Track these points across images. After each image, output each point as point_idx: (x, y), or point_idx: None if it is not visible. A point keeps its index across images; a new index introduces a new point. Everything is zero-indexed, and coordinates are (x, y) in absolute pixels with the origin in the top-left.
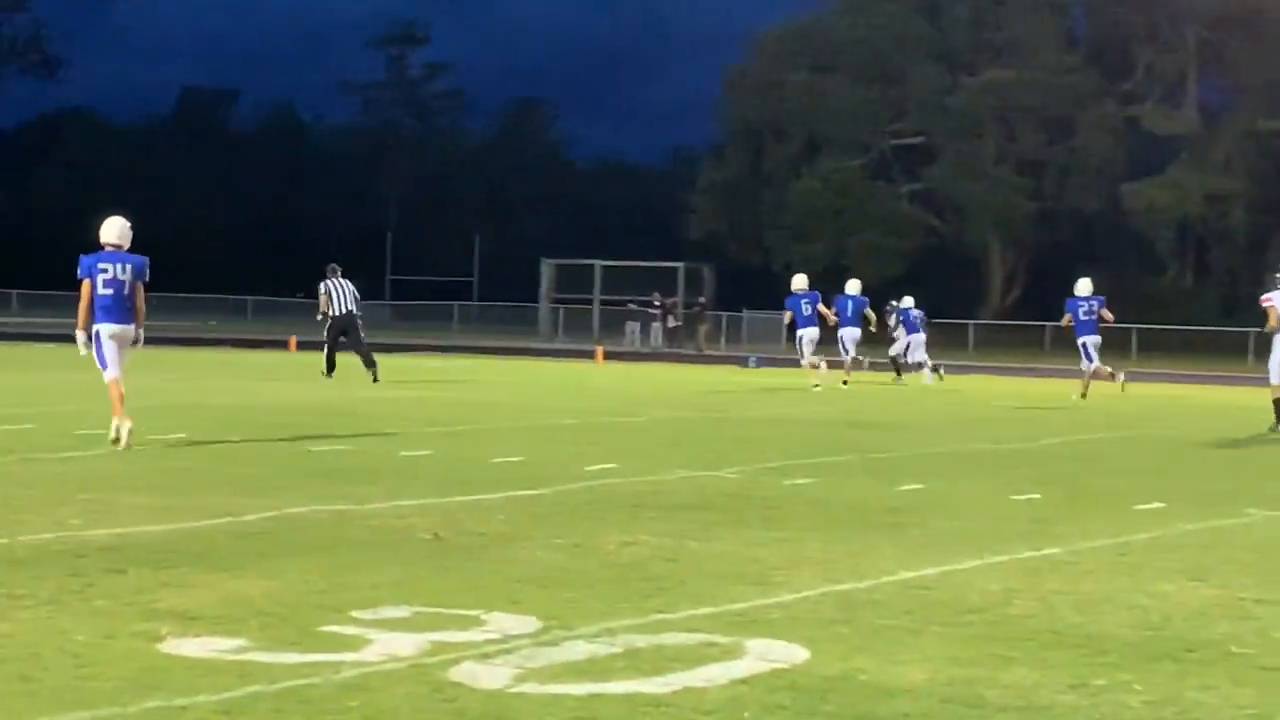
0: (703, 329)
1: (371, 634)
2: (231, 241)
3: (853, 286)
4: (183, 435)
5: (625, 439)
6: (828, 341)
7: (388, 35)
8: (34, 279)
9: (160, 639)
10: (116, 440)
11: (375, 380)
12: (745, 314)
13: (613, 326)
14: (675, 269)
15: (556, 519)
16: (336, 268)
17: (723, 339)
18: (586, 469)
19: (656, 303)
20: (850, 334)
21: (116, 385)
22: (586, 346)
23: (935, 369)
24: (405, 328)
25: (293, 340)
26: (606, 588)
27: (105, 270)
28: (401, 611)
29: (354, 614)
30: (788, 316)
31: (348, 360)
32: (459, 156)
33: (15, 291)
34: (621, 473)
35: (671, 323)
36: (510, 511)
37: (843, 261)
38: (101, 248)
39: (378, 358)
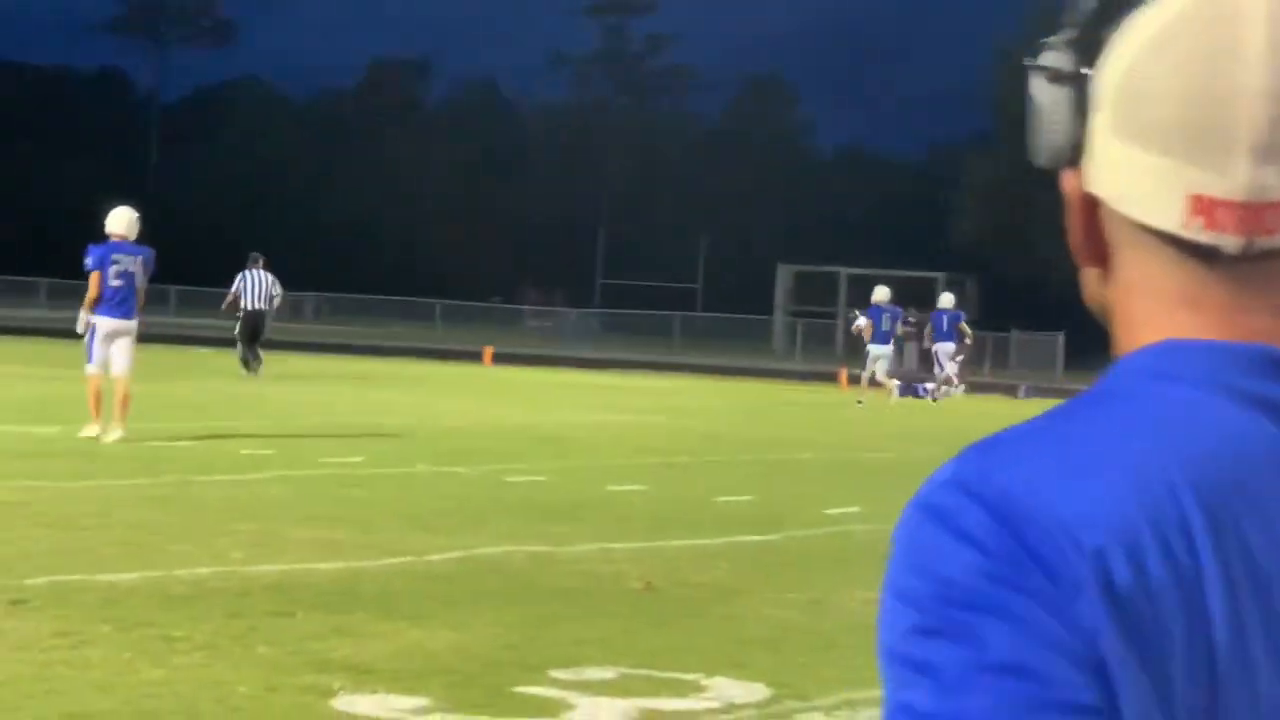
0: (965, 350)
1: (573, 698)
2: (416, 234)
3: (946, 301)
4: (359, 459)
5: (872, 478)
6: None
7: (606, 1)
8: (194, 274)
9: (331, 694)
10: (96, 438)
11: (250, 373)
12: (1014, 334)
13: (861, 345)
14: (934, 279)
15: (790, 570)
16: (258, 257)
17: (987, 364)
18: (826, 512)
19: (911, 319)
20: (944, 349)
21: (95, 381)
22: (829, 368)
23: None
24: (617, 340)
25: (488, 351)
26: (847, 652)
27: (118, 262)
28: (607, 673)
29: (552, 674)
30: (867, 328)
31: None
32: (683, 143)
33: (174, 288)
34: (867, 517)
35: (928, 343)
36: (736, 560)
37: None
38: (107, 239)
39: (586, 375)
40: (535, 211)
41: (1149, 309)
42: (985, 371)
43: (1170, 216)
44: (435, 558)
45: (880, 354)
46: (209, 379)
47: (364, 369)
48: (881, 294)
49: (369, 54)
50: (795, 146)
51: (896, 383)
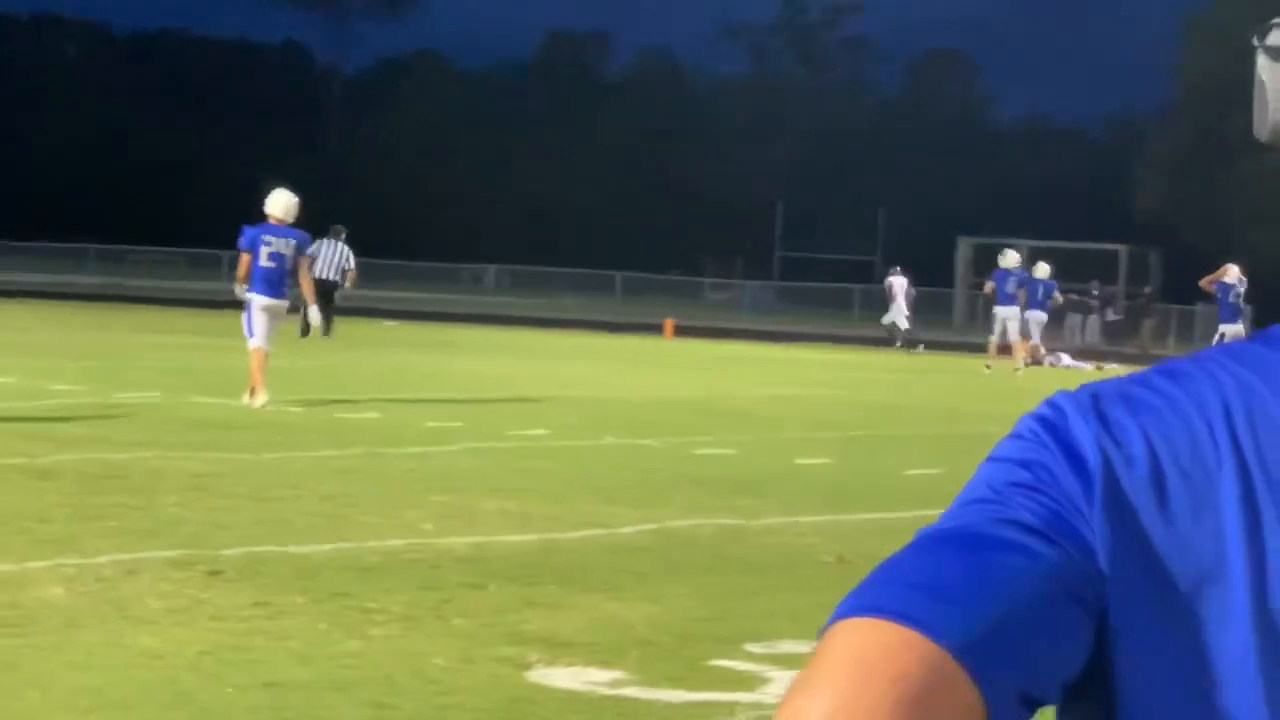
0: (1148, 324)
1: (769, 671)
2: (594, 207)
3: (1041, 270)
4: (544, 431)
5: None
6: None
7: None
8: (374, 245)
9: (527, 666)
10: (250, 405)
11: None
12: (1199, 308)
13: (1062, 318)
14: (1116, 252)
15: None
16: (341, 229)
17: (1171, 337)
18: None
19: (1094, 292)
20: (1035, 318)
21: (260, 355)
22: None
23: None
24: (795, 313)
25: (669, 324)
26: None
27: (269, 244)
28: (802, 646)
29: (748, 647)
30: (989, 286)
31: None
32: (861, 115)
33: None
34: None
35: (1110, 315)
36: None
37: None
38: (265, 220)
39: (766, 348)
40: (713, 184)
41: None
42: (1169, 343)
43: None
44: (626, 530)
45: (1007, 315)
46: (394, 351)
47: (544, 342)
48: (1010, 259)
49: (545, 26)
50: (975, 118)
51: (1030, 346)
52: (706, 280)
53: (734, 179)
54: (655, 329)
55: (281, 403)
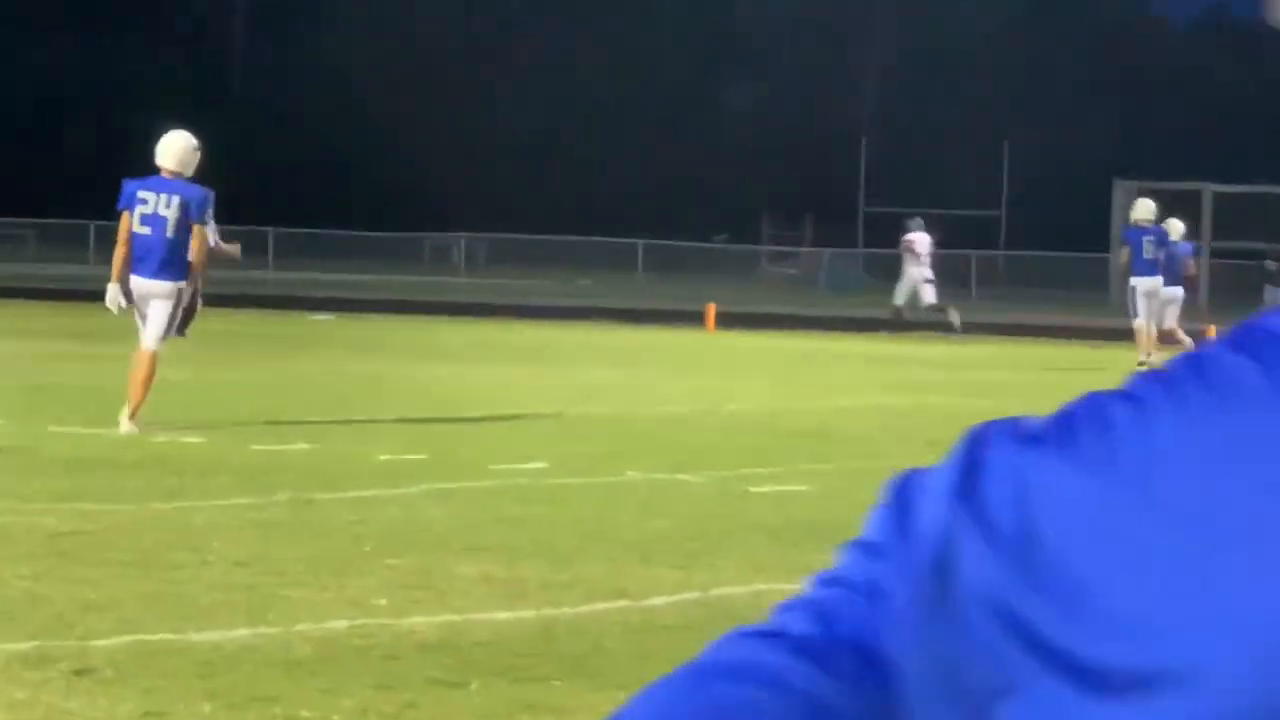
0: None
1: None
2: (605, 152)
3: (1176, 230)
4: (542, 464)
5: None
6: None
7: None
8: (296, 213)
9: None
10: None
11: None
12: None
13: (1232, 289)
14: None
15: None
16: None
17: None
18: None
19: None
20: (1172, 295)
21: (143, 360)
22: (1193, 323)
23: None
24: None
25: (711, 310)
26: None
27: (145, 201)
28: None
29: None
30: (1124, 254)
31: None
32: (975, 23)
33: (271, 231)
34: None
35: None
36: None
37: None
38: (157, 171)
39: (849, 340)
40: (775, 116)
41: None
42: None
43: None
44: (659, 601)
45: (1149, 289)
46: (330, 356)
47: (538, 338)
48: (1143, 210)
49: None
50: (1133, 19)
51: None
52: (764, 249)
53: (803, 109)
54: (694, 318)
55: (175, 429)
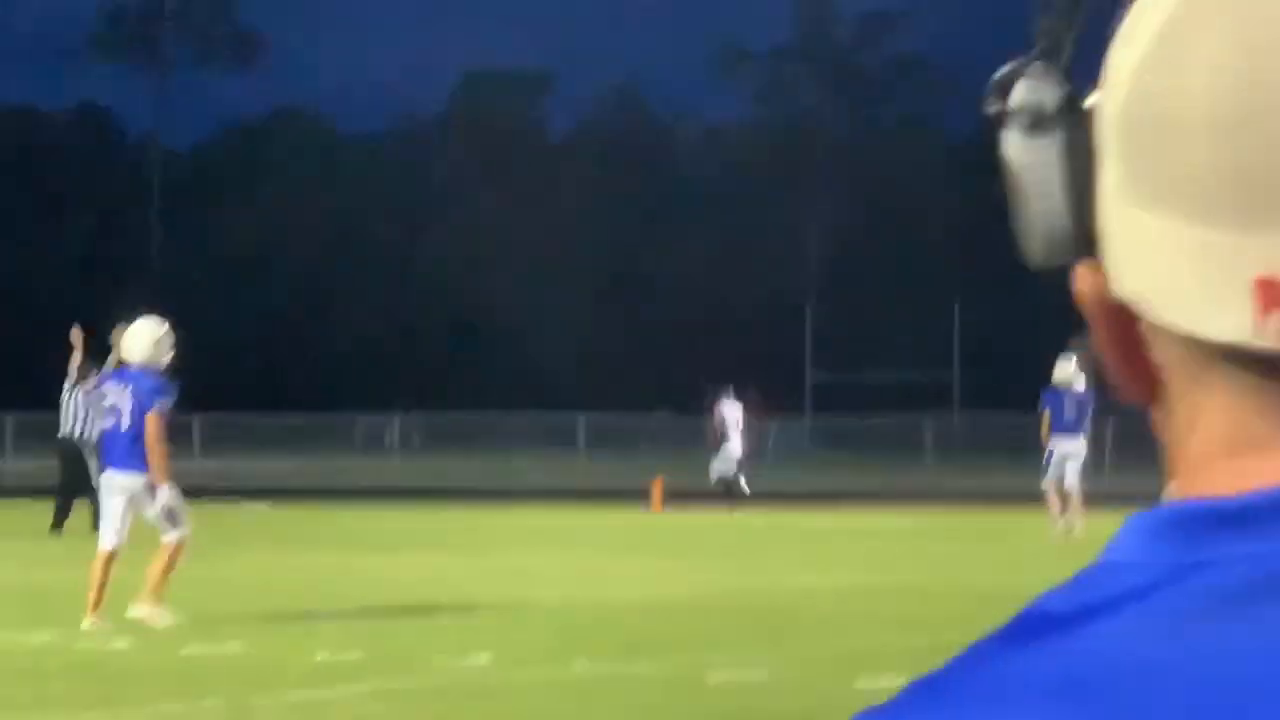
0: None
1: None
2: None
3: (1061, 372)
4: (486, 658)
5: None
6: None
7: None
8: (221, 398)
9: None
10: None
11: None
12: None
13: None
14: None
15: None
16: (89, 368)
17: None
18: None
19: None
20: (1069, 450)
21: (101, 559)
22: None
23: None
24: (840, 459)
25: (658, 486)
26: None
27: (105, 395)
28: None
29: None
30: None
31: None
32: (924, 169)
33: (197, 417)
34: None
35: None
36: None
37: None
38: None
39: (803, 514)
40: (710, 281)
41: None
42: None
43: (1231, 319)
44: None
45: (1067, 452)
46: (261, 547)
47: (479, 524)
48: (1062, 372)
49: (460, 66)
50: None
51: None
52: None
53: (740, 273)
54: (639, 495)
55: (100, 634)
